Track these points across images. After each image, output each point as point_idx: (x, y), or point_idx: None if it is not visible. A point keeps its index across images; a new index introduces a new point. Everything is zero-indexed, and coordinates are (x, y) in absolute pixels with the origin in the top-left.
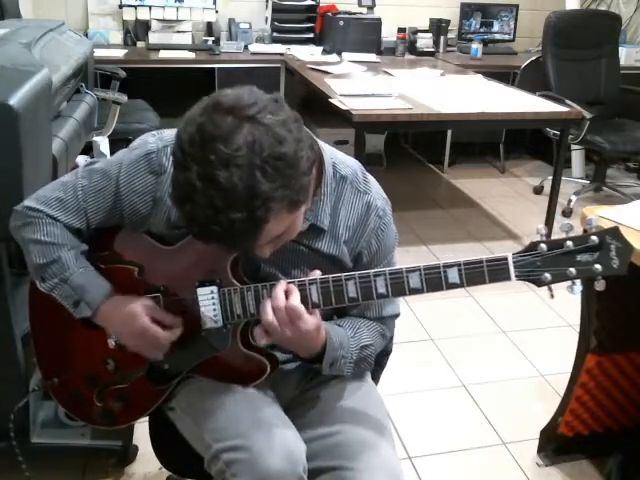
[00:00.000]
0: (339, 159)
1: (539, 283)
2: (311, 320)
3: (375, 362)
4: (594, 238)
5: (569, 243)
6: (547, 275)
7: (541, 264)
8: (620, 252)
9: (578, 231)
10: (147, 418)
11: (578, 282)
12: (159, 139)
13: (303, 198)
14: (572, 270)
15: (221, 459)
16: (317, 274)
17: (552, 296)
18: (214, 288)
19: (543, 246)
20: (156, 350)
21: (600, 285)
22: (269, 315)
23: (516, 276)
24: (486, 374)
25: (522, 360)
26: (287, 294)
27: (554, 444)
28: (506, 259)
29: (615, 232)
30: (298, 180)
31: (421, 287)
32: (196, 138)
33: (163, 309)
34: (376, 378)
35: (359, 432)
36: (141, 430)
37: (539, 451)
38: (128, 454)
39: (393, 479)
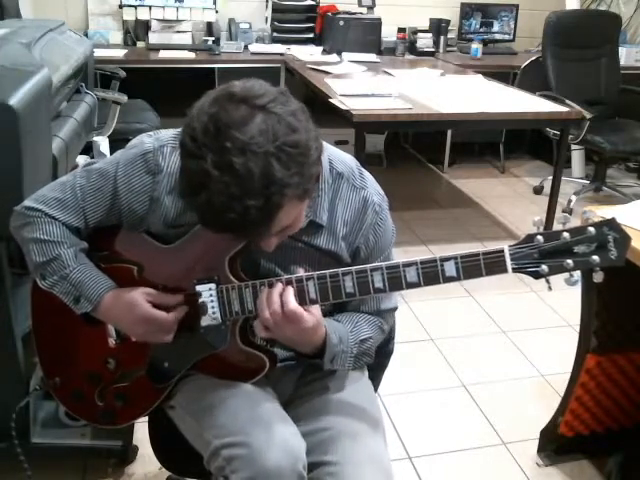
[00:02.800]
0: (335, 155)
1: (536, 275)
2: (310, 318)
3: (376, 363)
4: (591, 229)
5: (566, 235)
6: (544, 267)
7: (538, 256)
8: (618, 243)
9: (575, 224)
10: (147, 418)
11: (576, 274)
12: (156, 139)
13: (312, 187)
14: (569, 262)
15: (221, 455)
16: (300, 272)
17: (550, 288)
18: (212, 285)
19: (540, 238)
20: (164, 334)
21: (598, 277)
22: (266, 313)
23: (513, 268)
24: (486, 374)
25: (522, 360)
26: (283, 297)
27: (554, 444)
28: (502, 251)
29: (612, 223)
30: (310, 168)
31: (418, 281)
32: (210, 127)
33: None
34: (377, 378)
35: (349, 427)
36: (141, 430)
37: (539, 451)
38: (128, 454)
39: (381, 472)
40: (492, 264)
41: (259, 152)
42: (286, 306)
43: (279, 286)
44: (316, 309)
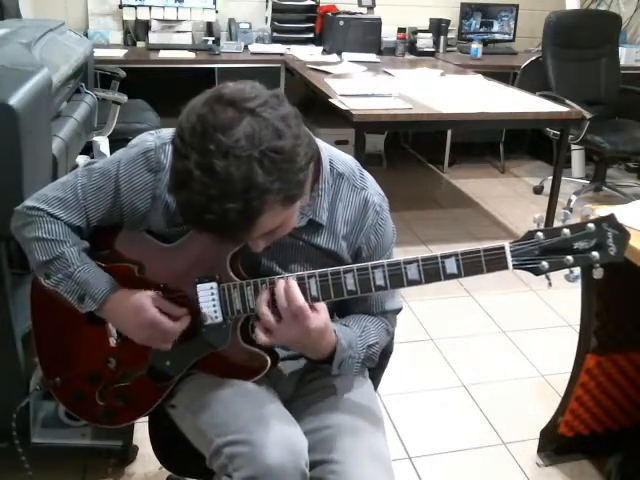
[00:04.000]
0: (335, 156)
1: (537, 272)
2: (316, 317)
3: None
4: (591, 226)
5: (566, 231)
6: (544, 264)
7: (538, 253)
8: (617, 239)
9: (575, 220)
10: (147, 418)
11: (576, 270)
12: (157, 137)
13: (299, 193)
14: (569, 258)
15: (223, 453)
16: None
17: (550, 284)
18: (214, 284)
19: (540, 234)
20: (164, 342)
21: (598, 273)
22: (267, 314)
23: (513, 265)
24: (486, 374)
25: (522, 360)
26: (288, 293)
27: (554, 444)
28: (503, 248)
29: (611, 219)
30: (295, 175)
31: (419, 278)
32: (197, 128)
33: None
34: (377, 379)
35: (350, 425)
36: (141, 430)
37: (539, 451)
38: (128, 454)
39: (382, 470)
40: (493, 261)
41: (242, 156)
42: (293, 303)
43: (282, 283)
44: (324, 311)
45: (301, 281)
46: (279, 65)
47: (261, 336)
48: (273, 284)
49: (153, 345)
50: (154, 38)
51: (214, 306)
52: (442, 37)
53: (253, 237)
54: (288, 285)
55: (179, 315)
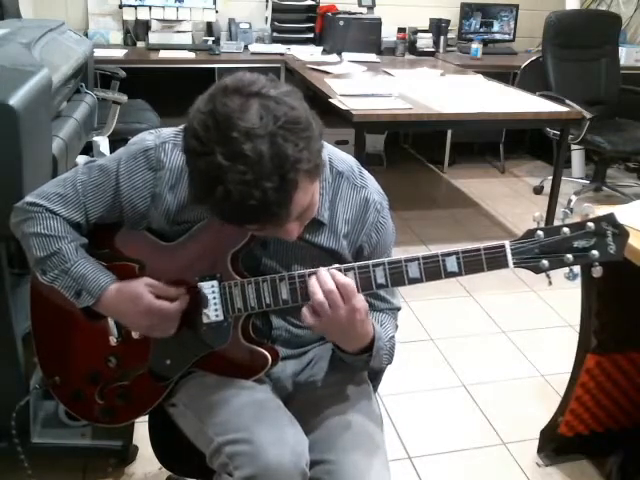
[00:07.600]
0: (335, 155)
1: (537, 270)
2: (363, 299)
3: None
4: (590, 224)
5: (566, 230)
6: (545, 262)
7: (538, 251)
8: (616, 238)
9: (575, 219)
10: (147, 418)
11: (575, 269)
12: (157, 136)
13: (321, 163)
14: (569, 257)
15: (223, 452)
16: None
17: (550, 283)
18: (215, 282)
19: (540, 233)
20: (167, 325)
21: (597, 272)
22: (319, 294)
23: (514, 263)
24: (486, 374)
25: (522, 360)
26: (332, 276)
27: (554, 444)
28: (503, 246)
29: (611, 218)
30: (316, 142)
31: (420, 277)
32: (210, 123)
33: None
34: (377, 378)
35: (347, 425)
36: (141, 430)
37: (539, 451)
38: (128, 454)
39: (379, 471)
40: (493, 259)
41: (264, 134)
42: (340, 280)
43: (322, 269)
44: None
45: (301, 279)
46: (279, 65)
47: (309, 316)
48: (303, 277)
49: (155, 333)
50: (154, 38)
51: (215, 304)
52: (442, 37)
53: (292, 217)
54: (330, 271)
55: (176, 296)
